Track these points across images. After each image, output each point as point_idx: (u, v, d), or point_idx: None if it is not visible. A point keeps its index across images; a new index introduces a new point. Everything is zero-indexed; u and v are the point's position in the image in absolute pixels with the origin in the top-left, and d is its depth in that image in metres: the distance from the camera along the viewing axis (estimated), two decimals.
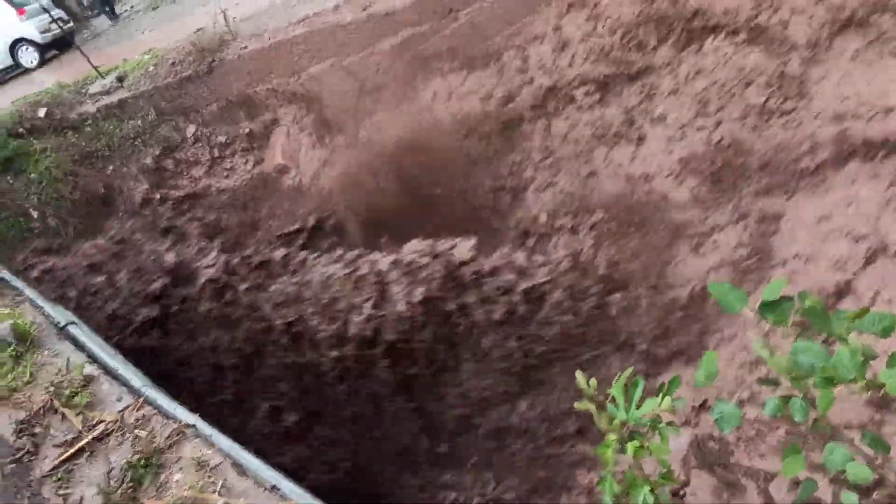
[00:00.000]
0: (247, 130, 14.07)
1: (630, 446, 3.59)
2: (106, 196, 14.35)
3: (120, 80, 14.61)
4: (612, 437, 3.68)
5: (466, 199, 11.18)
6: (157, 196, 14.14)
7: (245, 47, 13.98)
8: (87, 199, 14.22)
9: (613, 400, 3.66)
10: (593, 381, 3.87)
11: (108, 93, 14.67)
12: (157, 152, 14.38)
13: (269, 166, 14.23)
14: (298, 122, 14.00)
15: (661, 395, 3.69)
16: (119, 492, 4.22)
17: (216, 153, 14.47)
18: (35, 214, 14.08)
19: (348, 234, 11.89)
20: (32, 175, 14.00)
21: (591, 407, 3.76)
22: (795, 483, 6.93)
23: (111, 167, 14.48)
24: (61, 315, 6.58)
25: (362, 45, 13.07)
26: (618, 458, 3.61)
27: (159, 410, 4.89)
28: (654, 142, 9.89)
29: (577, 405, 3.89)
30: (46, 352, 5.75)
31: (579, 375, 3.89)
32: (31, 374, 5.49)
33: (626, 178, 10.02)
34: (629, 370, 3.97)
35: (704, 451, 7.57)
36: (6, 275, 7.26)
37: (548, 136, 11.03)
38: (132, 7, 23.23)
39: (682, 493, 7.54)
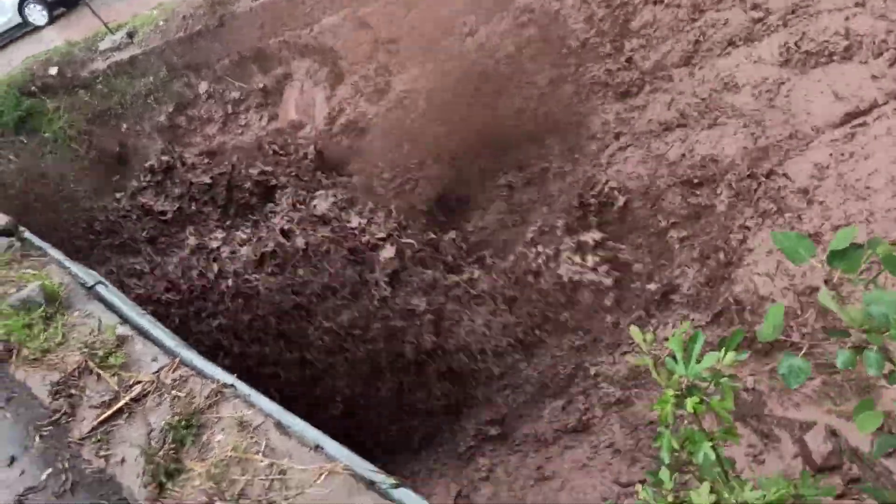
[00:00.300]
0: (260, 85, 13.84)
1: (689, 402, 3.47)
2: (121, 154, 14.21)
3: (130, 36, 14.36)
4: (669, 392, 3.56)
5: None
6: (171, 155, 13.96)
7: (256, 0, 13.68)
8: (102, 157, 14.09)
9: (671, 354, 3.53)
10: (650, 336, 3.74)
11: (118, 49, 14.43)
12: (171, 109, 14.20)
13: (283, 122, 14.03)
14: (312, 76, 13.76)
15: (723, 349, 3.55)
16: (161, 453, 4.14)
17: (230, 109, 14.28)
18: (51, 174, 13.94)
19: None
20: (47, 134, 13.87)
21: (648, 361, 3.64)
22: (832, 433, 6.86)
23: (125, 125, 14.33)
24: (88, 275, 6.48)
25: None
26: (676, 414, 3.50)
27: (196, 371, 4.80)
28: None
29: (631, 359, 3.79)
30: (76, 312, 5.66)
31: (634, 330, 3.76)
32: (63, 335, 5.40)
33: None
34: (686, 324, 3.84)
35: (737, 403, 7.49)
36: (29, 235, 7.15)
37: None
38: None
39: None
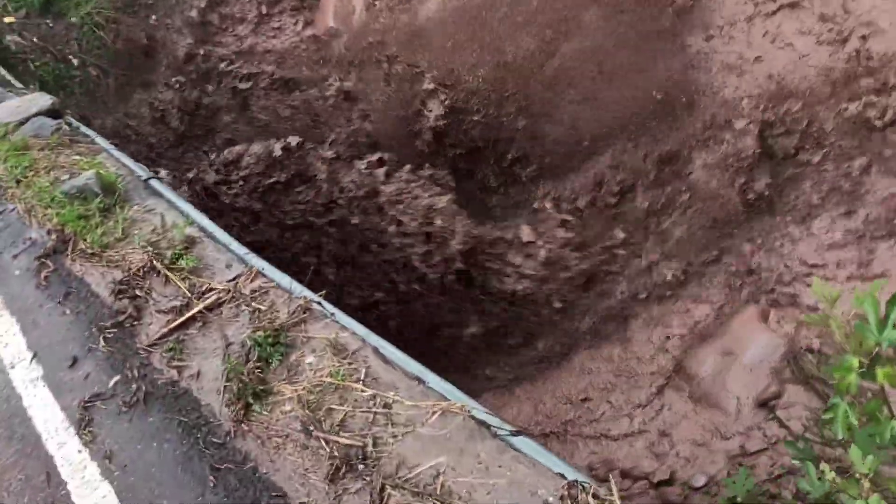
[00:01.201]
0: None
1: (882, 373, 3.06)
2: (148, 47, 13.54)
3: None
4: (853, 360, 3.13)
5: None
6: (201, 52, 13.31)
7: None
8: (129, 49, 13.41)
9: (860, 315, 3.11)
10: (835, 292, 3.32)
11: None
12: (203, 5, 13.45)
13: (319, 28, 13.33)
14: None
15: None
16: (245, 368, 3.72)
17: (264, 10, 13.55)
18: (75, 62, 13.29)
19: None
20: (73, 19, 13.13)
21: (831, 322, 3.22)
22: None
23: (154, 17, 13.61)
24: (141, 168, 5.99)
25: None
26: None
27: (275, 282, 4.36)
28: None
29: (806, 318, 3.39)
30: (136, 207, 5.18)
31: (817, 282, 3.34)
32: (123, 230, 4.93)
33: None
34: (879, 282, 3.41)
35: (801, 364, 7.15)
36: (75, 122, 6.61)
37: None
38: None
39: (772, 404, 7.17)
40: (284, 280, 4.42)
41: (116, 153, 6.17)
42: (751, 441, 6.99)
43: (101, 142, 6.43)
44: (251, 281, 4.30)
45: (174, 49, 13.44)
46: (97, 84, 13.21)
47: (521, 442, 3.32)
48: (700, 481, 6.95)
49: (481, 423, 3.31)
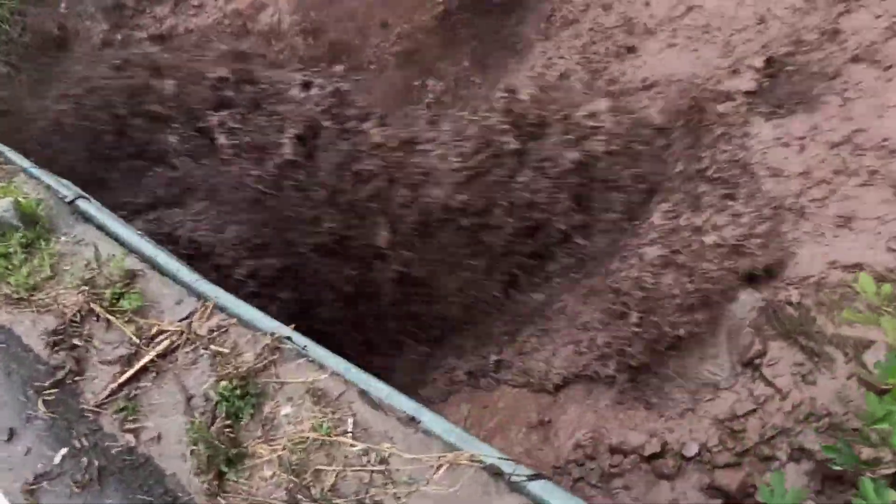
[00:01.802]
0: None
1: None
2: (60, 38, 12.53)
3: None
4: None
5: None
6: (118, 38, 12.37)
7: None
8: (40, 42, 12.41)
9: None
10: (886, 288, 2.93)
11: None
12: None
13: (242, 3, 12.49)
14: None
15: None
16: (213, 429, 3.19)
17: None
18: None
19: None
20: None
21: (883, 323, 2.83)
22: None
23: (64, 4, 12.59)
24: (65, 187, 5.31)
25: None
26: None
27: (235, 318, 3.81)
28: None
29: (849, 315, 3.02)
30: (64, 238, 4.53)
31: (864, 278, 2.95)
32: (52, 266, 4.30)
33: None
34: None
35: (781, 318, 6.86)
36: None
37: None
38: None
39: (757, 362, 6.88)
40: (246, 311, 3.87)
41: (36, 171, 5.47)
42: (740, 403, 6.72)
43: (17, 158, 5.70)
44: (207, 318, 3.74)
45: (89, 37, 12.48)
46: (8, 82, 12.23)
47: (542, 489, 2.87)
48: (692, 450, 6.67)
49: (494, 471, 2.85)
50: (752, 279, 6.90)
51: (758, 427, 6.57)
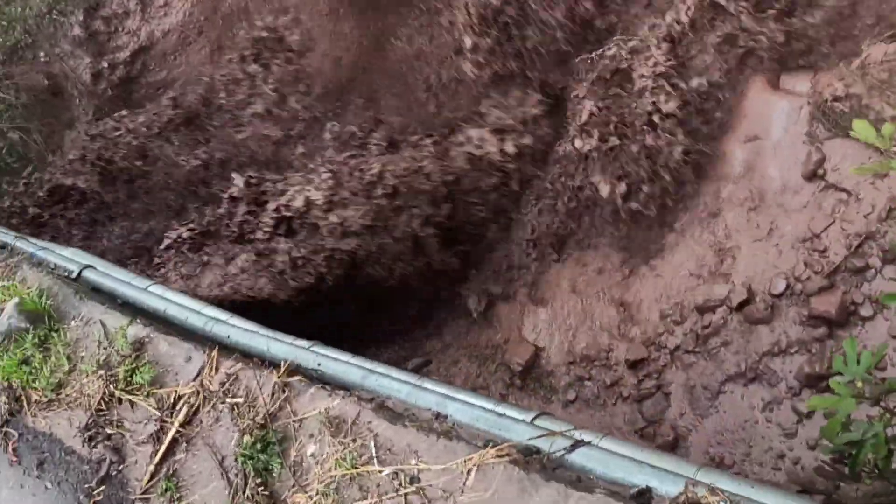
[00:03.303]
0: None
1: None
2: (53, 86, 12.45)
3: None
4: None
5: None
6: (105, 65, 12.18)
7: None
8: (35, 97, 12.35)
9: None
10: (888, 128, 2.45)
11: None
12: (81, 18, 12.21)
13: None
14: None
15: None
16: (247, 492, 3.02)
17: None
18: None
19: None
20: None
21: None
22: None
23: (42, 53, 12.45)
24: (70, 258, 5.19)
25: None
26: None
27: (240, 353, 3.61)
28: None
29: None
30: (73, 322, 4.40)
31: (859, 124, 2.48)
32: (69, 357, 4.18)
33: None
34: None
35: (833, 117, 6.21)
36: None
37: None
38: None
39: (820, 172, 6.29)
40: (257, 344, 3.68)
41: (40, 251, 5.37)
42: (815, 221, 6.17)
43: (22, 244, 5.61)
44: (215, 371, 3.54)
45: (78, 75, 12.34)
46: (25, 146, 12.26)
47: (584, 456, 2.58)
48: (780, 285, 6.21)
49: (527, 458, 2.57)
50: None
51: (841, 239, 6.05)
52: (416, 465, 2.72)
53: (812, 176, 6.31)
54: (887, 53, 5.95)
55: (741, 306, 6.33)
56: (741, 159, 6.72)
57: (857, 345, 2.54)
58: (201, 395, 3.49)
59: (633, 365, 6.75)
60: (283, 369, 3.33)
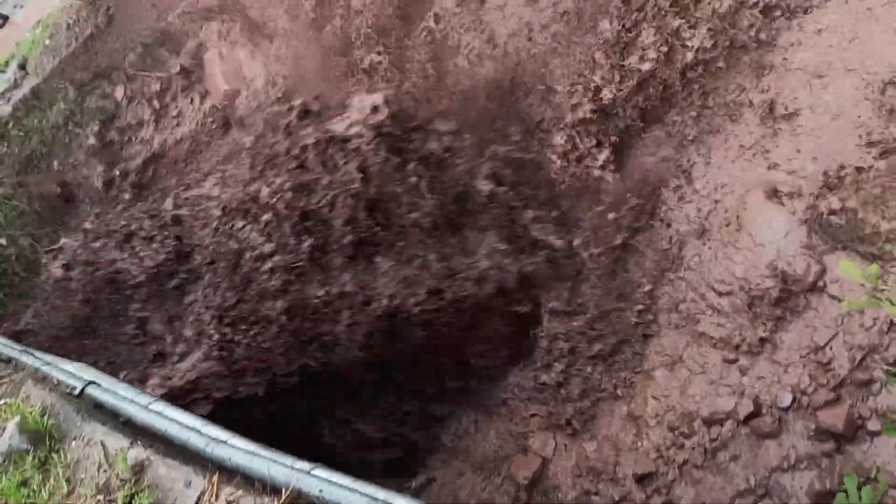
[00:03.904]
0: (177, 68, 12.17)
1: None
2: (66, 194, 12.72)
3: (22, 67, 12.54)
4: None
5: None
6: (117, 172, 12.48)
7: None
8: (48, 204, 12.60)
9: None
10: (874, 269, 2.49)
11: (16, 86, 12.65)
12: (96, 128, 12.58)
13: (217, 98, 12.45)
14: (227, 38, 12.11)
15: None
16: None
17: (156, 104, 12.66)
18: (4, 241, 12.51)
19: None
20: None
21: (886, 305, 2.39)
22: None
23: (56, 162, 12.76)
24: (74, 374, 5.19)
25: None
26: None
27: (240, 474, 3.57)
28: None
29: (848, 306, 2.61)
30: (74, 442, 4.38)
31: (844, 264, 2.52)
32: (69, 479, 4.14)
33: None
34: None
35: (831, 231, 6.29)
36: None
37: None
38: None
39: (820, 284, 6.33)
40: (258, 467, 3.64)
41: (43, 366, 5.37)
42: (818, 333, 6.18)
43: (27, 359, 5.62)
44: (216, 498, 3.50)
45: (91, 183, 12.61)
46: (33, 252, 12.43)
47: None
48: (787, 399, 6.17)
49: None
50: None
51: (845, 352, 6.05)
52: None
53: (813, 288, 6.35)
54: (879, 170, 6.09)
55: (748, 419, 6.28)
56: (741, 270, 6.78)
57: (867, 460, 2.51)
58: None
59: (641, 479, 6.64)
60: (284, 497, 3.29)
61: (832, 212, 6.32)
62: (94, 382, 5.07)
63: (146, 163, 12.41)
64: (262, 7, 11.50)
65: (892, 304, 2.27)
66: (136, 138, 12.72)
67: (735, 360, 6.54)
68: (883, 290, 2.77)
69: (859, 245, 6.08)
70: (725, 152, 7.01)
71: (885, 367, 5.71)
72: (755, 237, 6.67)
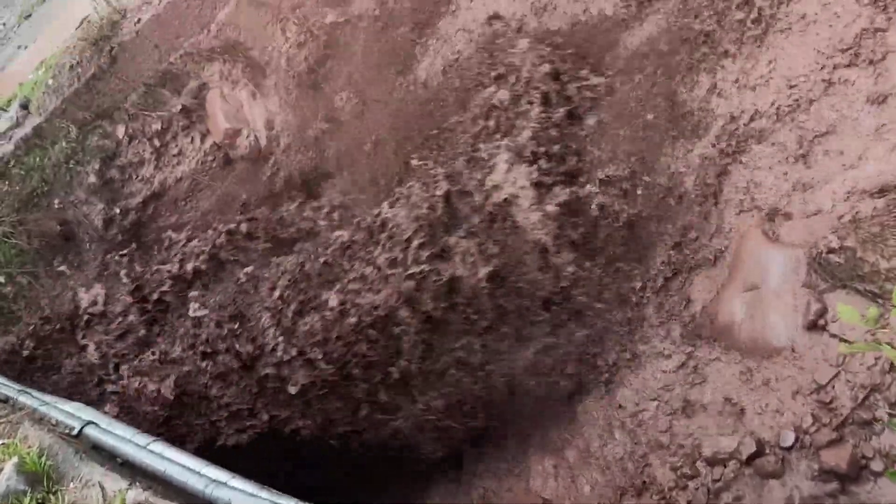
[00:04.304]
0: (178, 108, 12.30)
1: None
2: (66, 232, 12.75)
3: (24, 106, 12.65)
4: None
5: None
6: (117, 211, 12.54)
7: (139, 20, 12.02)
8: (47, 243, 12.61)
9: None
10: (872, 311, 2.50)
11: (18, 125, 12.73)
12: (97, 167, 12.65)
13: (217, 136, 12.55)
14: (228, 78, 12.26)
15: None
16: None
17: (157, 143, 12.75)
18: (2, 279, 12.51)
19: None
20: None
21: (885, 350, 2.40)
22: None
23: (57, 200, 12.80)
24: (72, 413, 5.18)
25: None
26: None
27: None
28: None
29: (845, 349, 2.62)
30: (72, 483, 4.35)
31: (843, 308, 2.54)
32: None
33: None
34: None
35: (831, 269, 6.31)
36: None
37: None
38: (3, 24, 20.64)
39: (821, 322, 6.34)
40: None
41: (43, 408, 5.35)
42: (819, 371, 6.17)
43: (25, 399, 5.60)
44: None
45: (90, 221, 12.65)
46: (31, 289, 12.42)
47: None
48: (789, 438, 6.14)
49: None
50: None
51: (847, 391, 6.03)
52: None
53: (813, 326, 6.36)
54: (877, 208, 6.13)
55: (751, 459, 6.24)
56: (741, 308, 6.80)
57: (872, 501, 2.50)
58: None
59: None
60: None
61: (831, 250, 6.34)
62: (92, 422, 5.06)
63: (146, 201, 12.48)
64: (265, 50, 11.67)
65: (891, 347, 2.29)
66: (137, 176, 12.80)
67: (733, 400, 6.51)
68: (883, 329, 2.77)
69: (859, 283, 6.09)
70: None
71: (888, 411, 5.69)
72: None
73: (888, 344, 2.39)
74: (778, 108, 6.85)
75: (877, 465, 5.65)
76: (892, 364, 5.77)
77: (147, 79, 12.13)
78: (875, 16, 6.36)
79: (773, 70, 6.95)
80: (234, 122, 12.38)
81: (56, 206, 12.67)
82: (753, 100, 7.04)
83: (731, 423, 6.48)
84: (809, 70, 6.69)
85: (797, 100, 6.76)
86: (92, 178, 12.64)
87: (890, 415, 4.10)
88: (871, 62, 6.35)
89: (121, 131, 12.52)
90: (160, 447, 4.69)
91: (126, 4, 12.39)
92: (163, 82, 12.22)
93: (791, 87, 6.80)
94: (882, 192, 6.11)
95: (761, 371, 6.45)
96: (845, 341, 6.15)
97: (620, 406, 7.28)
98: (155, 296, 10.33)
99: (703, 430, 6.64)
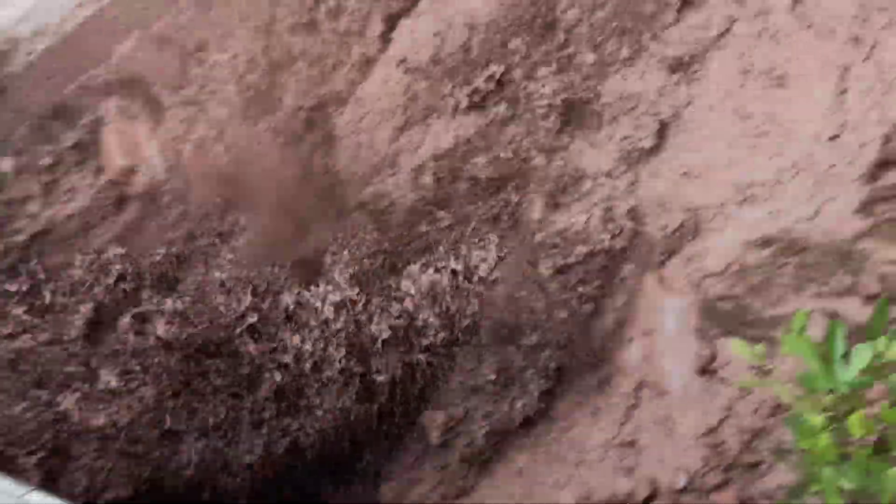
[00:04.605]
0: (71, 142, 11.89)
1: (854, 421, 2.35)
2: None
3: None
4: (817, 418, 2.41)
5: None
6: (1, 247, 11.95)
7: (31, 52, 11.66)
8: None
9: None
10: (759, 348, 2.62)
11: None
12: None
13: (111, 172, 12.18)
14: (126, 112, 11.97)
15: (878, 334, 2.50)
16: None
17: (46, 179, 12.25)
18: None
19: None
20: None
21: (774, 386, 2.53)
22: None
23: None
24: (10, 490, 4.81)
25: (165, 5, 11.09)
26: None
27: None
28: None
29: (741, 384, 2.74)
30: None
31: (736, 343, 2.66)
32: None
33: None
34: (804, 311, 2.72)
35: (719, 316, 6.61)
36: None
37: None
38: None
39: (711, 367, 6.61)
40: None
41: None
42: (710, 416, 6.40)
43: None
44: None
45: None
46: None
47: None
48: (681, 481, 6.30)
49: None
50: None
51: (735, 434, 6.26)
52: None
53: (703, 371, 6.60)
54: (762, 257, 6.47)
55: (646, 502, 6.37)
56: (637, 352, 7.01)
57: None
58: None
59: None
60: None
61: (720, 297, 6.63)
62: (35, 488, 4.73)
63: (32, 238, 11.95)
64: (166, 86, 11.50)
65: (779, 384, 2.43)
66: (22, 211, 12.26)
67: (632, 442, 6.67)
68: (769, 370, 2.92)
69: (748, 329, 6.38)
70: None
71: (770, 449, 5.94)
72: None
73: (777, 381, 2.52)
74: None
75: None
76: (776, 407, 6.03)
77: (38, 112, 11.72)
78: None
79: None
80: (131, 158, 12.07)
81: None
82: None
83: (629, 465, 6.62)
84: None
85: None
86: None
87: (774, 452, 4.29)
88: None
89: (7, 165, 12.01)
90: (39, 497, 4.42)
91: (19, 35, 12.00)
92: (56, 116, 11.83)
93: None
94: (766, 243, 6.46)
95: (658, 413, 6.62)
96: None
97: None
98: None
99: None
